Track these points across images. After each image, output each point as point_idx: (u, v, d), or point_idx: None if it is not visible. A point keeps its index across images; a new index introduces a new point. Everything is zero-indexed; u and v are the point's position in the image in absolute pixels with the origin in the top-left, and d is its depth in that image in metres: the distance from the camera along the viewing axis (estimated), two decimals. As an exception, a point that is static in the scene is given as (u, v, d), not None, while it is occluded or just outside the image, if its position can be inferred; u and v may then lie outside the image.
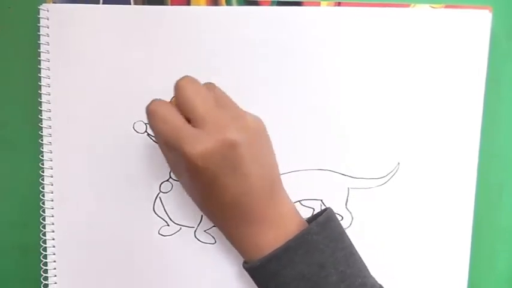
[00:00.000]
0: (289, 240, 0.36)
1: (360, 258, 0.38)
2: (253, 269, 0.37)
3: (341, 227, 0.38)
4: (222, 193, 0.35)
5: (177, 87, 0.36)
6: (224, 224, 0.38)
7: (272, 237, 0.37)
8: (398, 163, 0.44)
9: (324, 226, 0.37)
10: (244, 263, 0.39)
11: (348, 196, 0.44)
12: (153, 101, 0.36)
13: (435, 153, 0.44)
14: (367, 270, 0.38)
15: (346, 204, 0.44)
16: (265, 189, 0.37)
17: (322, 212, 0.39)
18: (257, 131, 0.36)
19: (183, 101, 0.35)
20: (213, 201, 0.36)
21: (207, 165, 0.34)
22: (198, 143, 0.34)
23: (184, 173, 0.36)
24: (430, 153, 0.44)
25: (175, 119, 0.35)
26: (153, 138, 0.44)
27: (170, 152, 0.37)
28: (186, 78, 0.36)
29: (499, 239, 0.46)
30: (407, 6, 0.43)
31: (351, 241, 0.38)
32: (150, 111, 0.36)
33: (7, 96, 0.45)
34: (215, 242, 0.44)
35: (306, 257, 0.36)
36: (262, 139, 0.37)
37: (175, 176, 0.39)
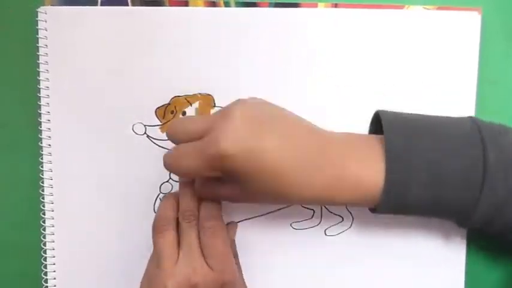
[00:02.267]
0: (386, 168, 0.35)
1: None
2: (383, 213, 0.37)
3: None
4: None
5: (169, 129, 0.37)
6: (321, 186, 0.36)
7: (360, 167, 0.36)
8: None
9: (391, 124, 0.37)
10: (373, 210, 0.38)
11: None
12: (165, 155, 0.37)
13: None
14: None
15: (346, 206, 0.44)
16: (307, 134, 0.36)
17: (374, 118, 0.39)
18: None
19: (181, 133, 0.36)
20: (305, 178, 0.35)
21: (241, 148, 0.33)
22: (225, 138, 0.33)
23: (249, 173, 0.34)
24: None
25: (190, 144, 0.36)
26: (153, 140, 0.44)
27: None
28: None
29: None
30: (402, 7, 0.43)
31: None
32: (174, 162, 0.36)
33: (7, 97, 0.45)
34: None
35: (414, 165, 0.35)
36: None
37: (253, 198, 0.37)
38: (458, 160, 0.35)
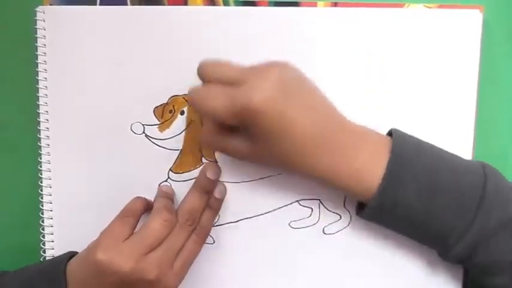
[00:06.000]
0: (389, 163, 0.36)
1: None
2: (373, 212, 0.38)
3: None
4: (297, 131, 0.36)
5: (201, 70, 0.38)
6: (320, 165, 0.37)
7: (367, 159, 0.37)
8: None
9: (403, 134, 0.39)
10: (359, 211, 0.40)
11: (346, 196, 0.44)
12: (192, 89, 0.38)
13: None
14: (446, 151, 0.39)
15: (344, 204, 0.44)
16: (330, 115, 0.38)
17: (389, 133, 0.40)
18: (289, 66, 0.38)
19: (217, 75, 0.37)
20: (299, 147, 0.36)
21: (272, 108, 0.35)
22: (259, 94, 0.34)
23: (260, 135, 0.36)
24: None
25: (221, 88, 0.36)
26: (151, 139, 0.44)
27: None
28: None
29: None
30: (402, 6, 0.43)
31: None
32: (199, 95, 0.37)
33: (7, 97, 0.46)
34: (213, 242, 0.44)
35: (414, 170, 0.36)
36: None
37: (250, 157, 0.39)
38: (458, 179, 0.36)
